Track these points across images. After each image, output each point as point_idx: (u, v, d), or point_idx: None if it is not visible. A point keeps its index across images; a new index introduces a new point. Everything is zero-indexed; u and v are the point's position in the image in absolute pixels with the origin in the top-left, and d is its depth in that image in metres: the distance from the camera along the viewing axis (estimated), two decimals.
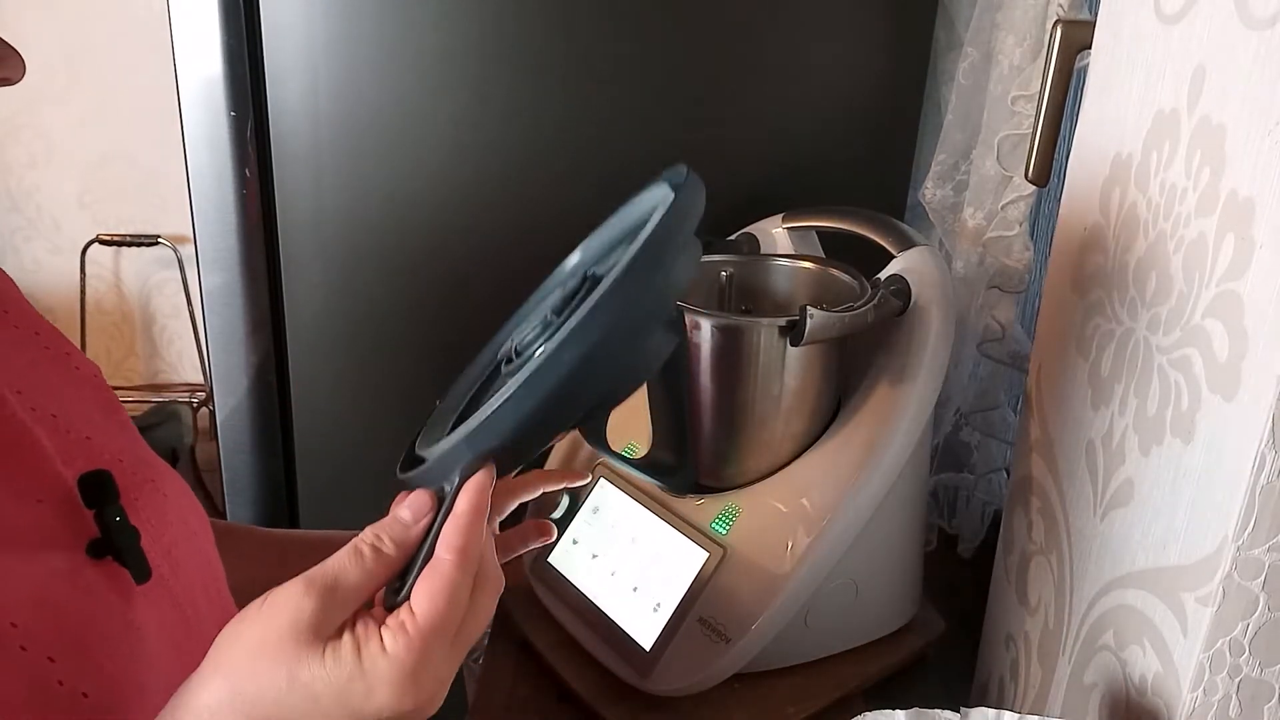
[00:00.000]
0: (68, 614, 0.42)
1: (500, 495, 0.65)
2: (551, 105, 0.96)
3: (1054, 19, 0.83)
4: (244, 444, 1.09)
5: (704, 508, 0.76)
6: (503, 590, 0.45)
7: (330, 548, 0.46)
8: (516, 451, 0.46)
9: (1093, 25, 0.66)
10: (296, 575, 0.44)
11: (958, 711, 0.56)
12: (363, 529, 0.46)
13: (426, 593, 0.40)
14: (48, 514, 0.43)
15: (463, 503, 0.43)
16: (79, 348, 0.60)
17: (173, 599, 0.49)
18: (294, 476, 1.09)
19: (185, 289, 2.27)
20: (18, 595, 0.39)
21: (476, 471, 0.44)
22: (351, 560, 0.42)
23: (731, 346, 0.73)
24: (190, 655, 0.44)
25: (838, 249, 0.85)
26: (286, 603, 0.40)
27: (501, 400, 0.44)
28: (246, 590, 0.62)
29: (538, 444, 0.47)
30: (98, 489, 0.44)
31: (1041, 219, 0.97)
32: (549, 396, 0.43)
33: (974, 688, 0.82)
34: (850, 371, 0.77)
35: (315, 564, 0.45)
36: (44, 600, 0.41)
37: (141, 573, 0.45)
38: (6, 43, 0.46)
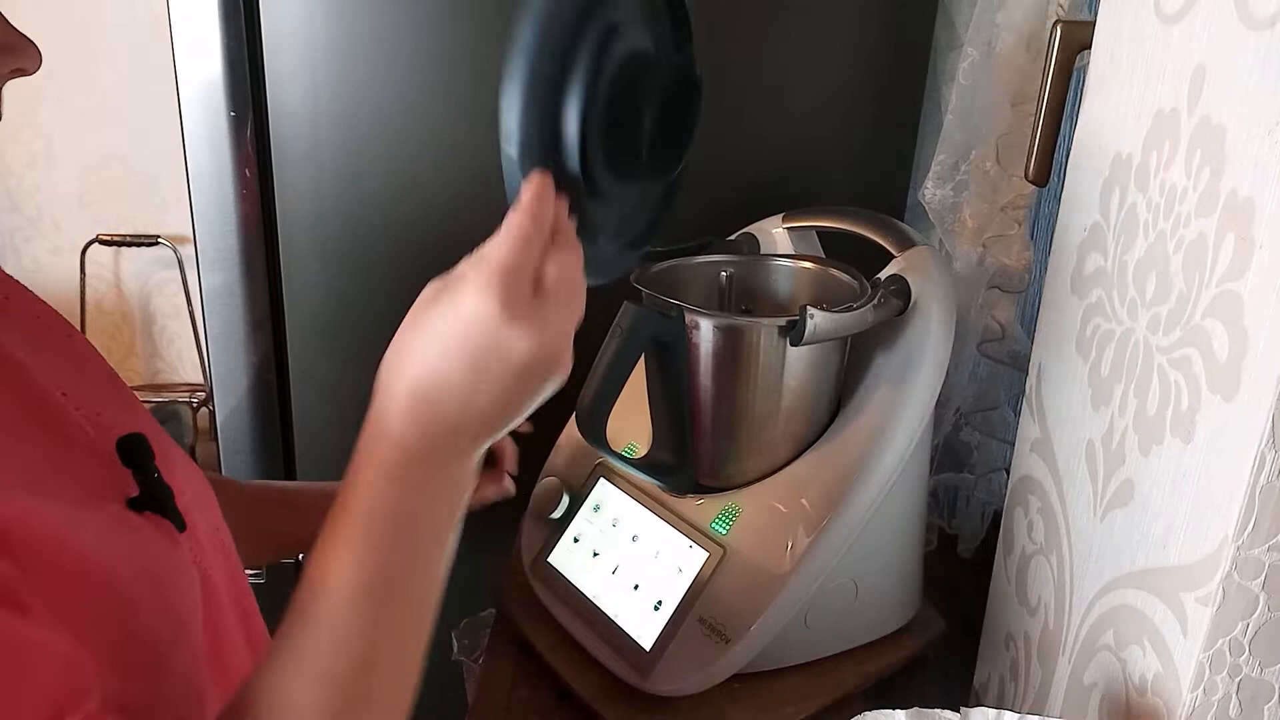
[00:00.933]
0: (134, 551, 0.45)
1: None
2: None
3: (1054, 19, 0.83)
4: (244, 444, 1.09)
5: (704, 508, 0.76)
6: (582, 260, 0.52)
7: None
8: (546, 101, 0.50)
9: (1093, 25, 0.66)
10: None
11: (958, 711, 0.56)
12: None
13: (496, 239, 0.50)
14: (92, 471, 0.47)
15: (527, 186, 0.51)
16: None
17: (198, 551, 0.52)
18: (294, 477, 1.09)
19: (185, 289, 2.27)
20: (92, 535, 0.43)
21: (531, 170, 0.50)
22: (465, 261, 0.51)
23: (731, 346, 0.73)
24: (209, 607, 0.49)
25: (838, 249, 0.85)
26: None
27: (508, 47, 0.48)
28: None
29: (558, 89, 0.50)
30: (135, 449, 0.48)
31: (1041, 219, 0.97)
32: (539, 18, 0.48)
33: (974, 688, 0.82)
34: (850, 371, 0.77)
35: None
36: (113, 540, 0.44)
37: (179, 522, 0.49)
38: (22, 34, 0.47)
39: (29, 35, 0.50)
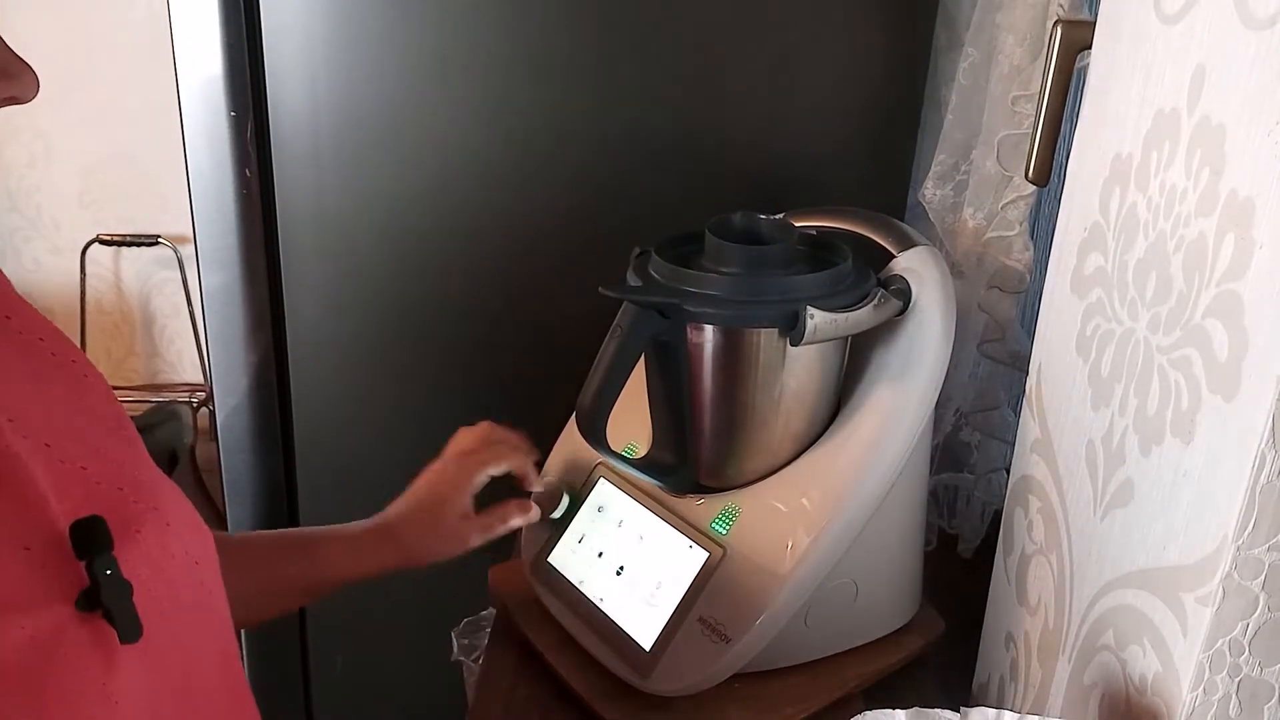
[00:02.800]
0: (40, 687, 0.39)
1: (471, 467, 0.77)
2: (551, 104, 0.96)
3: (1054, 19, 0.83)
4: (244, 444, 1.09)
5: (704, 508, 0.76)
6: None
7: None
8: None
9: (1093, 25, 0.66)
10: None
11: (958, 711, 0.56)
12: None
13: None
14: (35, 563, 0.41)
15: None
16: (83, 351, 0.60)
17: (160, 654, 0.46)
18: (294, 476, 1.09)
19: (185, 289, 2.27)
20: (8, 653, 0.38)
21: None
22: None
23: (731, 346, 0.73)
24: (177, 712, 0.44)
25: None
26: None
27: None
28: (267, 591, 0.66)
29: None
30: (90, 537, 0.42)
31: (1041, 219, 0.97)
32: None
33: (974, 688, 0.82)
34: (850, 371, 0.77)
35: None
36: (18, 670, 0.39)
37: (130, 631, 0.43)
38: (22, 59, 0.44)
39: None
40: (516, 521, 0.78)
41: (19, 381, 0.46)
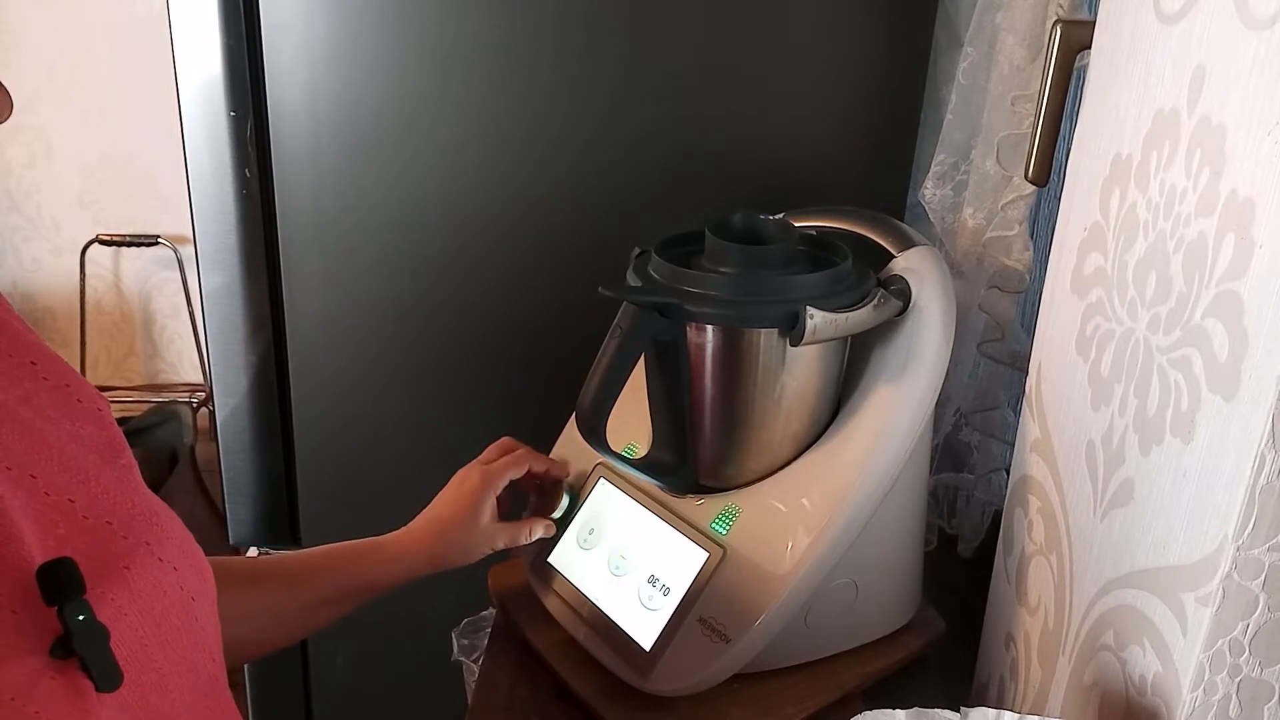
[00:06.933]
0: None
1: (495, 472, 0.79)
2: (551, 104, 0.96)
3: (1054, 19, 0.83)
4: (244, 444, 1.09)
5: (704, 508, 0.76)
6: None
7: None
8: None
9: (1093, 25, 0.66)
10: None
11: (958, 711, 0.56)
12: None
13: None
14: (5, 611, 0.39)
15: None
16: (81, 364, 0.57)
17: (142, 698, 0.44)
18: (294, 476, 1.09)
19: (185, 289, 2.27)
20: None
21: None
22: None
23: (731, 347, 0.73)
24: None
25: None
26: None
27: None
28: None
29: None
30: (58, 582, 0.40)
31: (1041, 219, 0.97)
32: None
33: (974, 688, 0.82)
34: (850, 371, 0.77)
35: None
36: None
37: (107, 680, 0.41)
38: None
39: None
40: (539, 534, 0.82)
41: (7, 409, 0.44)
